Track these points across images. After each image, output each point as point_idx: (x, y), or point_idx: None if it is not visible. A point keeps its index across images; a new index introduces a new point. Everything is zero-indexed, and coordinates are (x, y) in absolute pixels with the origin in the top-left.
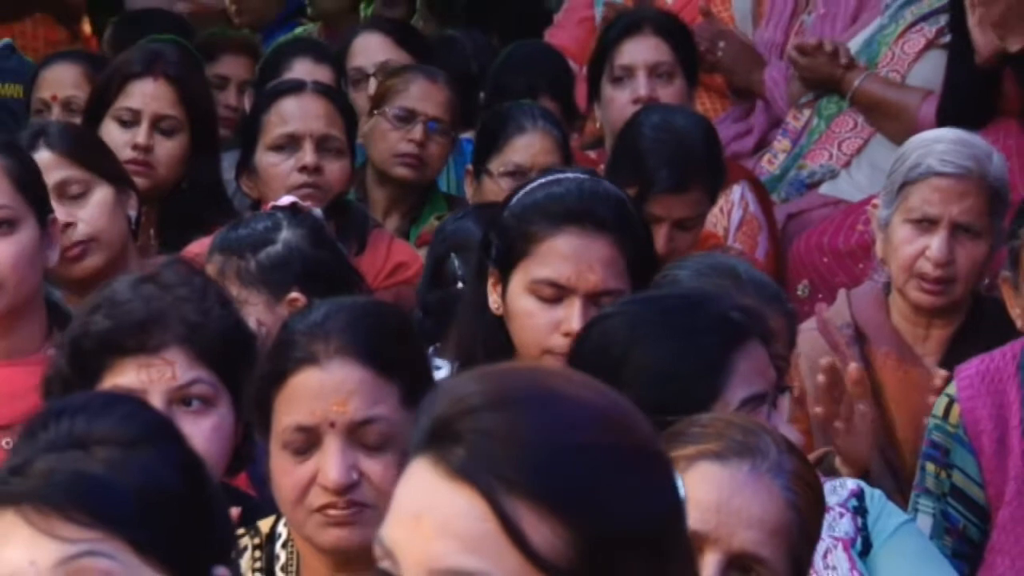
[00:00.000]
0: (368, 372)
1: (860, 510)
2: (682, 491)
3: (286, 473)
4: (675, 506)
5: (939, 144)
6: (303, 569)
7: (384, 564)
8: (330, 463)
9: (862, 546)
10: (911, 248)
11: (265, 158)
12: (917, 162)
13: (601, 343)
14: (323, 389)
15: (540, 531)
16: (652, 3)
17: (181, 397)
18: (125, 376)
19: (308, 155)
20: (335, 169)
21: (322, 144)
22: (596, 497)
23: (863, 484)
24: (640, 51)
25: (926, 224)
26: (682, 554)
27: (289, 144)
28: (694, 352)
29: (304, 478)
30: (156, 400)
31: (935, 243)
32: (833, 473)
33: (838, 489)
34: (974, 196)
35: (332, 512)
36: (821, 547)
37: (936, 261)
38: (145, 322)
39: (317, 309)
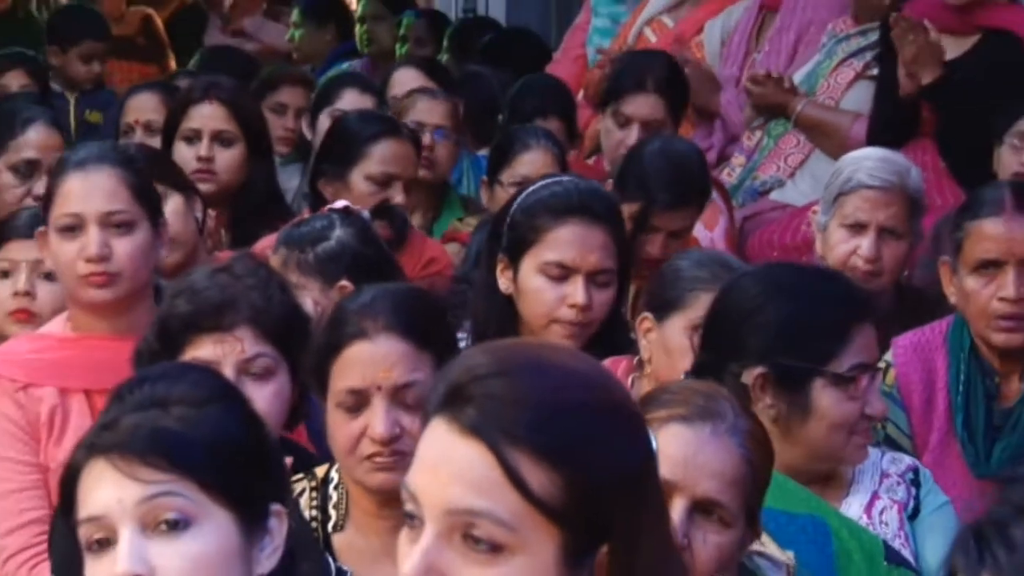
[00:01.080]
0: (408, 345)
1: (915, 482)
2: (655, 443)
3: (340, 428)
4: (648, 455)
5: (867, 161)
6: (352, 507)
7: (409, 506)
8: (377, 420)
9: (912, 511)
10: (846, 247)
11: (360, 184)
12: (849, 176)
13: (737, 298)
14: (372, 359)
15: (537, 477)
16: (637, 43)
17: (248, 368)
18: (203, 350)
19: (398, 195)
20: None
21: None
22: (584, 448)
23: (917, 462)
24: (639, 106)
25: (857, 228)
26: (655, 495)
27: (383, 180)
28: (823, 315)
29: (355, 432)
30: (228, 370)
31: (865, 244)
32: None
33: (896, 461)
34: (897, 205)
35: (379, 459)
36: (879, 505)
37: (866, 258)
38: (220, 305)
39: (366, 293)
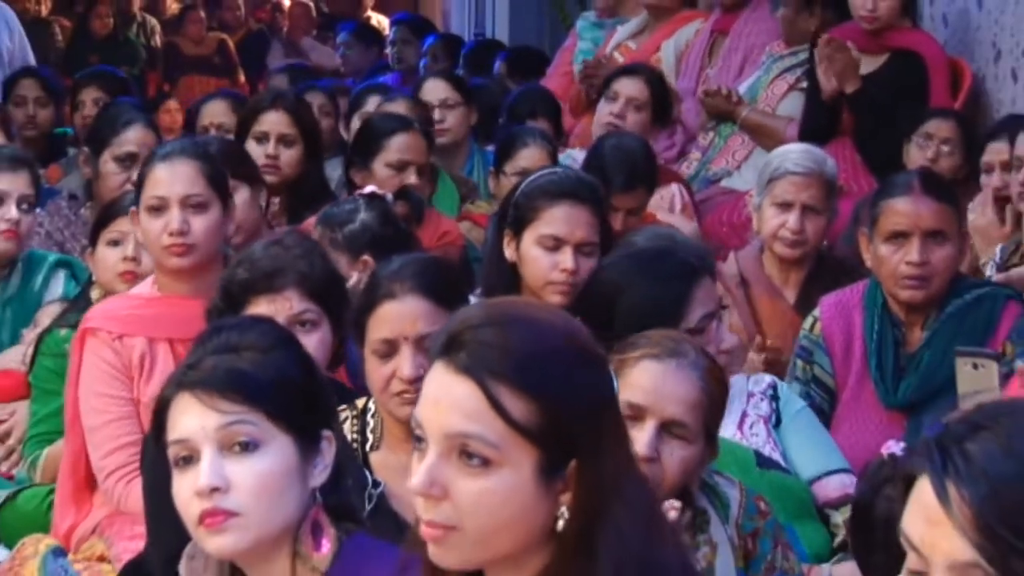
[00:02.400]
0: (429, 303)
1: (775, 397)
2: (615, 383)
3: (375, 370)
4: (608, 388)
5: (792, 153)
6: (385, 432)
7: (417, 432)
8: (405, 364)
9: (775, 421)
10: (776, 222)
11: (382, 170)
12: (778, 165)
13: (600, 289)
14: (399, 315)
15: (517, 407)
16: (610, 60)
17: (297, 321)
18: (259, 308)
19: (412, 177)
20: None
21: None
22: (555, 384)
23: (776, 379)
24: (628, 85)
25: (785, 206)
26: (615, 420)
27: (400, 166)
28: (666, 291)
29: (387, 373)
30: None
31: (791, 219)
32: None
33: (758, 382)
34: (816, 187)
35: (406, 395)
36: (748, 420)
37: (792, 231)
38: (272, 272)
39: (396, 262)
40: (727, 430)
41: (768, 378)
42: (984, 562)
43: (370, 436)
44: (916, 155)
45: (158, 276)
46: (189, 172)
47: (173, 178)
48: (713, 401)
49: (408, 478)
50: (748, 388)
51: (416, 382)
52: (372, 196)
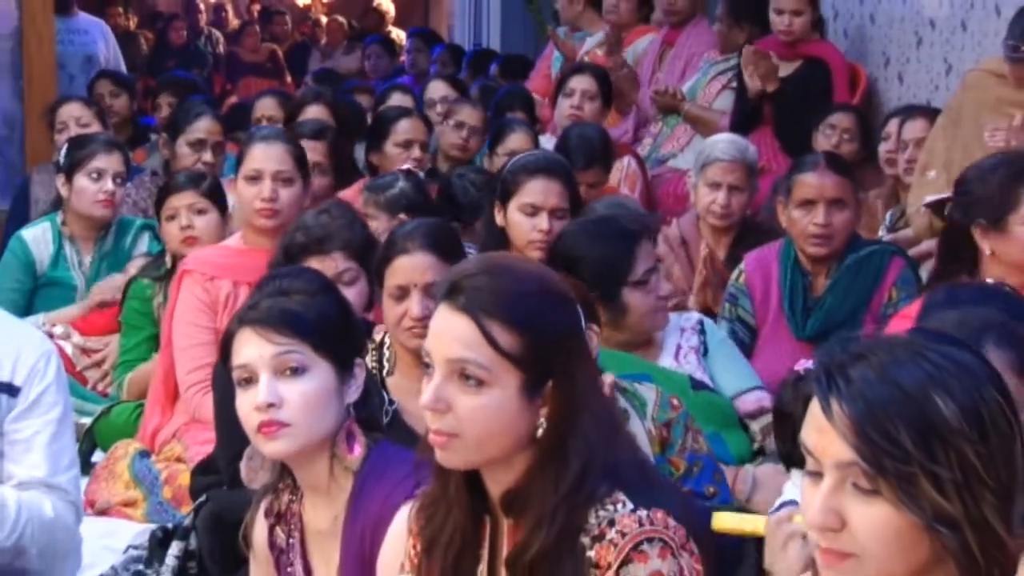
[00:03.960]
0: (434, 257)
1: (702, 330)
2: (582, 318)
3: (390, 310)
4: (577, 325)
5: (721, 143)
6: (398, 360)
7: (426, 360)
8: (414, 306)
9: (703, 351)
10: (709, 198)
11: (392, 150)
12: (709, 153)
13: (564, 249)
14: (411, 266)
15: (505, 338)
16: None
17: (340, 278)
18: (313, 264)
19: (416, 152)
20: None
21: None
22: (536, 319)
23: (703, 316)
24: (581, 81)
25: (715, 186)
26: (583, 349)
27: (405, 145)
28: (616, 252)
29: (400, 313)
30: None
31: (720, 196)
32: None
33: (688, 319)
34: (740, 171)
35: (415, 330)
36: (682, 352)
37: (721, 205)
38: (321, 238)
39: (409, 224)
40: (665, 360)
41: (696, 315)
42: (861, 461)
43: (386, 364)
44: (822, 142)
45: (245, 232)
46: (281, 152)
47: (268, 156)
48: None
49: (418, 398)
50: (680, 324)
51: (423, 320)
52: (408, 172)
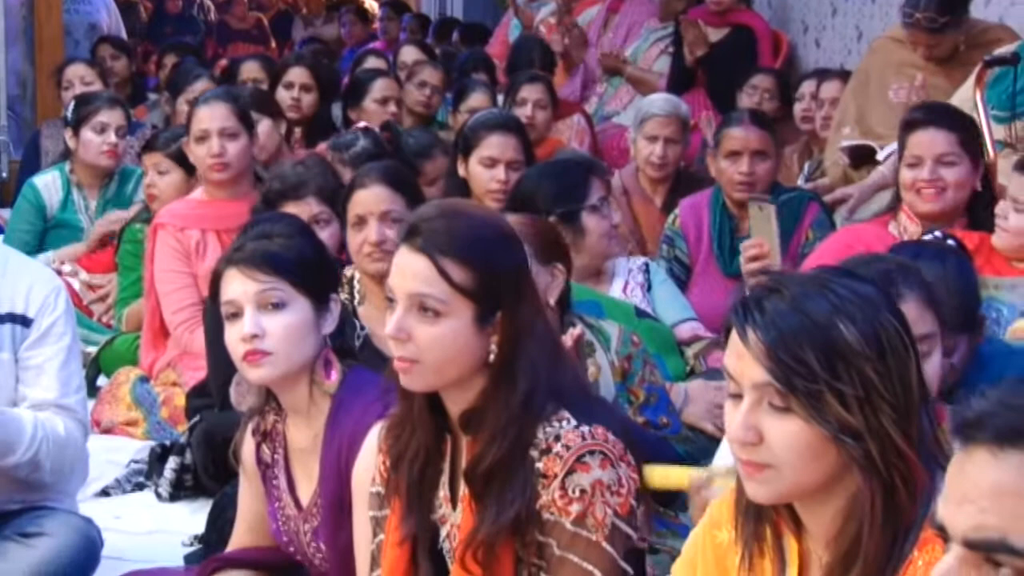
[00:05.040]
0: (388, 189)
1: (647, 271)
2: (529, 257)
3: (352, 239)
4: (524, 262)
5: (657, 100)
6: (367, 292)
7: (389, 295)
8: (371, 232)
9: (648, 287)
10: (647, 151)
11: (371, 105)
12: (646, 109)
13: (523, 189)
14: (367, 198)
15: (458, 274)
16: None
17: (314, 220)
18: (288, 209)
19: (392, 107)
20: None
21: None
22: (486, 257)
23: (647, 259)
24: (531, 91)
25: (652, 139)
26: (529, 283)
27: (383, 101)
28: (571, 179)
29: (360, 240)
30: None
31: (657, 148)
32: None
33: (635, 260)
34: (674, 125)
35: (375, 255)
36: (629, 287)
37: (659, 156)
38: (298, 184)
39: (367, 166)
40: (614, 292)
41: (642, 259)
42: (774, 381)
43: (356, 296)
44: (746, 100)
45: (205, 186)
46: (223, 111)
47: (212, 116)
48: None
49: (384, 326)
50: (629, 266)
51: (380, 245)
52: (366, 129)
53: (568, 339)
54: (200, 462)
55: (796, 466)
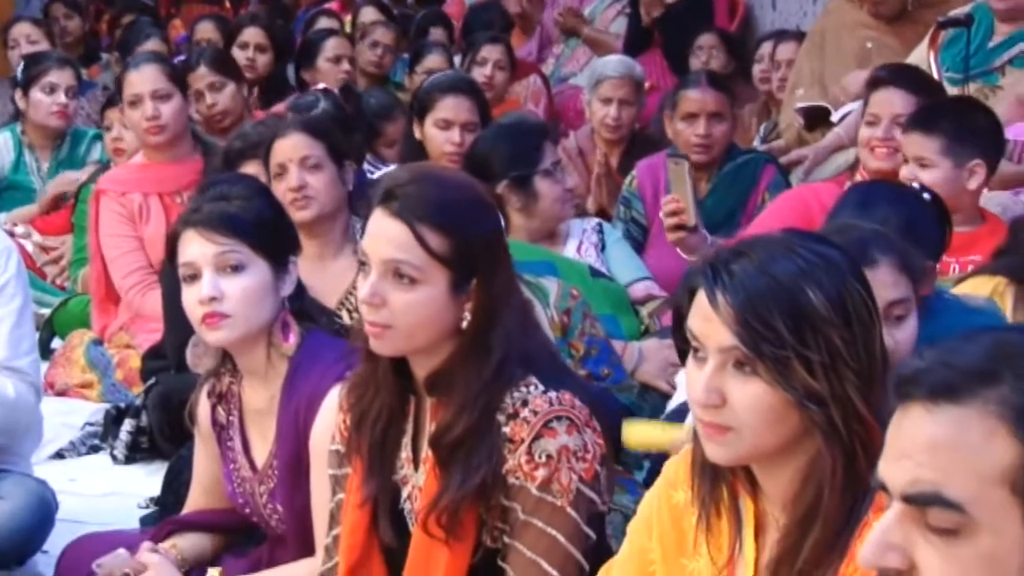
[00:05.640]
0: (306, 137)
1: (600, 231)
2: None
3: (276, 187)
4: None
5: (611, 62)
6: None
7: (363, 259)
8: (292, 178)
9: (602, 247)
10: (602, 113)
11: (324, 65)
12: (601, 71)
13: (478, 151)
14: (286, 145)
15: (435, 240)
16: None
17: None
18: (249, 169)
19: (346, 66)
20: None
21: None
22: (463, 224)
23: (601, 220)
24: (491, 51)
25: (607, 101)
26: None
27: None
28: (524, 143)
29: (283, 188)
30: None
31: (611, 110)
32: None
33: (589, 220)
34: (628, 86)
35: (297, 202)
36: (584, 247)
37: (613, 118)
38: (257, 143)
39: (293, 118)
40: (568, 252)
41: (596, 220)
42: (741, 345)
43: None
44: (694, 62)
45: (144, 151)
46: (154, 73)
47: (143, 79)
48: None
49: (314, 264)
50: (583, 226)
51: (300, 190)
52: (326, 91)
53: None
54: (156, 424)
55: (758, 429)
